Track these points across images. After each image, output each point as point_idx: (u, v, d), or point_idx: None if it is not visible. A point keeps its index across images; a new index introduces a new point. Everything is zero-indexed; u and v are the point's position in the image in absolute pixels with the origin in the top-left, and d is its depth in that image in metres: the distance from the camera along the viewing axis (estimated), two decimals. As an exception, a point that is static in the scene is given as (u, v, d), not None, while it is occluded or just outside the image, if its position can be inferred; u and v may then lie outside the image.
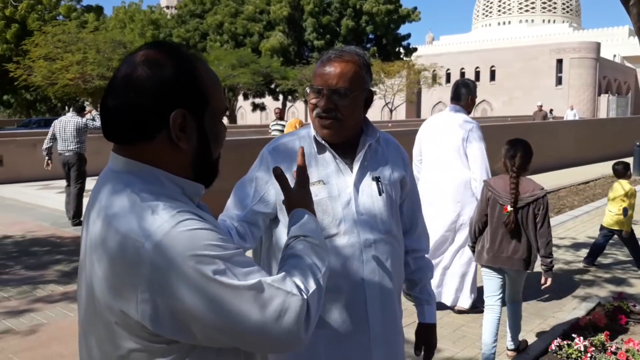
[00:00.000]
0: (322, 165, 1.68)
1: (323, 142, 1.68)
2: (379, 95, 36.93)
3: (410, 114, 51.70)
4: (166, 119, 1.04)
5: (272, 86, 35.94)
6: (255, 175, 1.72)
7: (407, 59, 41.45)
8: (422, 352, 1.89)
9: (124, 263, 0.98)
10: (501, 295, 3.60)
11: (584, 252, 6.44)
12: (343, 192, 1.65)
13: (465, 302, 4.48)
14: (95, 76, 20.90)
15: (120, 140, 1.10)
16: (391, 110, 38.34)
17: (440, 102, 54.29)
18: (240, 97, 36.40)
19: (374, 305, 1.64)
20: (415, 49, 44.03)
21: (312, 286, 1.07)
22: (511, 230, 3.40)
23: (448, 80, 54.43)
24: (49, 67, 20.91)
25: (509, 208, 3.39)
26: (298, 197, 1.30)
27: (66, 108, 44.51)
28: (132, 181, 1.05)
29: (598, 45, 49.44)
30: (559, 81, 49.03)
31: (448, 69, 53.53)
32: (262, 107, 40.01)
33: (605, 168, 15.42)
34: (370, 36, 41.76)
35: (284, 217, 1.65)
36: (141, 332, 1.00)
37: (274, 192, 1.67)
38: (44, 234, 7.61)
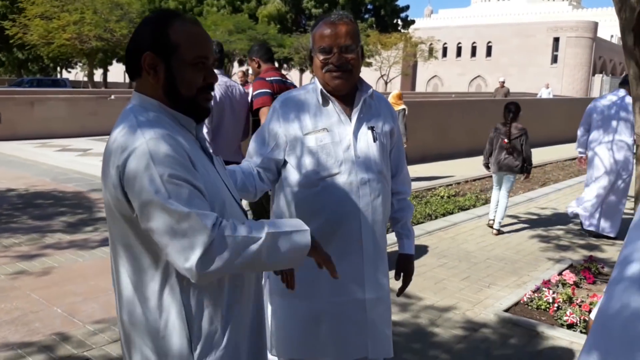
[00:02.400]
0: (326, 116, 1.98)
1: (329, 95, 1.97)
2: (374, 67, 36.94)
3: (405, 86, 51.69)
4: (141, 60, 1.41)
5: (268, 54, 35.85)
6: (269, 127, 2.03)
7: (405, 31, 41.28)
8: (402, 278, 2.23)
9: (112, 160, 1.34)
10: (499, 187, 6.18)
11: (562, 221, 6.81)
12: (344, 138, 1.96)
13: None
14: (92, 37, 20.85)
15: (130, 77, 1.47)
16: (386, 83, 38.40)
17: (435, 76, 54.29)
18: (236, 64, 36.29)
19: (367, 232, 1.96)
20: (413, 22, 43.82)
21: (239, 235, 1.31)
22: (507, 151, 5.92)
23: (445, 54, 54.33)
24: (45, 26, 20.81)
25: (506, 140, 5.97)
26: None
27: (58, 69, 44.03)
28: (136, 110, 1.41)
29: (595, 24, 49.41)
30: (554, 59, 49.11)
31: (445, 43, 53.38)
32: (257, 75, 40.01)
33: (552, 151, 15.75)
34: (369, 7, 41.49)
35: (292, 160, 1.96)
36: (123, 208, 1.35)
37: (284, 140, 1.98)
38: (47, 188, 7.86)
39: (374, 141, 1.99)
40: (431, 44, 40.17)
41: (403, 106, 8.89)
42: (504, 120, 6.13)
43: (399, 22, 42.62)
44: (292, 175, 1.98)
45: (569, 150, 15.02)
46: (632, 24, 3.69)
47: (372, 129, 2.01)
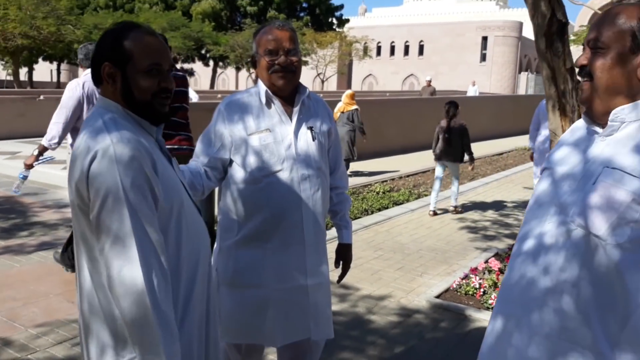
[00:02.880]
0: (269, 117, 2.14)
1: (272, 96, 2.13)
2: (310, 66, 37.23)
3: (341, 85, 52.33)
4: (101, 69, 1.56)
5: (203, 51, 35.39)
6: (215, 128, 2.17)
7: (340, 30, 41.78)
8: (341, 266, 2.44)
9: (78, 161, 1.47)
10: (439, 178, 7.11)
11: (489, 213, 7.25)
12: (285, 138, 2.12)
13: None
14: (17, 34, 19.97)
15: (95, 84, 1.61)
16: (323, 81, 38.77)
17: (370, 74, 55.22)
18: (170, 62, 35.58)
19: (308, 223, 2.14)
20: (347, 20, 44.41)
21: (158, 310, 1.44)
22: (446, 144, 6.97)
23: (379, 53, 55.35)
24: (-35, 22, 19.78)
25: (446, 135, 6.97)
26: None
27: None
28: (102, 112, 1.55)
29: (521, 24, 51.74)
30: (483, 58, 51.09)
31: (379, 42, 54.41)
32: (191, 73, 39.28)
33: (519, 141, 16.66)
34: (304, 5, 41.71)
35: (237, 159, 2.11)
36: (85, 205, 1.47)
37: (229, 140, 2.12)
38: (-25, 193, 7.57)
39: (313, 140, 2.17)
40: (366, 42, 40.87)
41: (356, 106, 9.26)
42: (445, 117, 7.11)
43: (334, 20, 43.08)
44: (238, 173, 2.13)
45: (496, 145, 15.79)
46: (544, 30, 4.03)
47: (311, 128, 2.18)
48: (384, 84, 53.25)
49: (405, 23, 56.19)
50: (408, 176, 10.05)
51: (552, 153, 1.57)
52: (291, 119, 2.16)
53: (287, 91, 2.16)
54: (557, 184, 1.48)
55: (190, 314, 1.61)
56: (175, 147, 4.37)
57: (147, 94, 1.55)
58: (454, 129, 7.00)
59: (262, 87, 2.16)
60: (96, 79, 1.57)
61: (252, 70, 35.40)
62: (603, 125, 1.42)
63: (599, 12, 11.93)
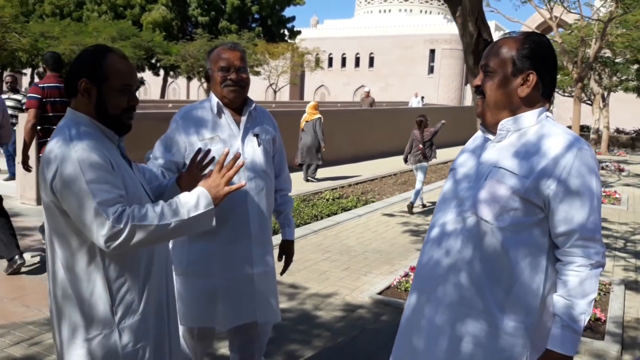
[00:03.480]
0: (220, 125, 2.42)
1: (223, 107, 2.41)
2: (263, 76, 37.45)
3: (293, 95, 52.77)
4: (78, 84, 1.77)
5: (153, 61, 35.08)
6: (171, 135, 2.43)
7: (292, 41, 42.21)
8: (284, 259, 2.73)
9: (49, 166, 1.69)
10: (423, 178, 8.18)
11: (431, 217, 7.67)
12: (234, 144, 2.40)
13: None
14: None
15: (67, 96, 1.83)
16: (275, 91, 39.05)
17: (322, 85, 55.88)
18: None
19: (254, 219, 2.41)
20: (299, 32, 44.91)
21: (145, 223, 1.67)
22: (422, 153, 7.99)
23: (330, 64, 56.12)
24: None
25: (420, 145, 7.95)
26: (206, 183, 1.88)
27: None
28: (70, 124, 1.75)
29: (466, 38, 53.43)
30: (431, 70, 52.58)
31: (330, 54, 55.22)
32: (141, 82, 38.83)
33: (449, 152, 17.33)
34: (256, 16, 41.95)
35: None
36: (57, 204, 1.69)
37: (183, 146, 2.38)
38: None
39: (259, 145, 2.46)
40: (317, 54, 41.43)
41: (318, 115, 10.17)
42: (417, 128, 8.11)
43: (286, 32, 43.49)
44: None
45: (441, 154, 16.41)
46: (472, 48, 4.46)
47: (257, 136, 2.47)
48: (336, 95, 54.01)
49: (356, 35, 57.22)
50: (357, 184, 10.43)
51: (457, 157, 1.91)
52: (239, 128, 2.43)
53: (237, 103, 2.45)
54: (457, 182, 1.81)
55: (149, 292, 1.84)
56: None
57: (118, 110, 1.79)
58: (426, 138, 8.07)
59: (214, 99, 2.44)
60: (70, 91, 1.80)
61: (203, 80, 35.19)
62: (494, 133, 1.75)
63: (537, 32, 12.67)
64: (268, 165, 2.50)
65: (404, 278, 4.76)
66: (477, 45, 4.47)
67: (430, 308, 1.78)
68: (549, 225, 1.64)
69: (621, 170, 14.53)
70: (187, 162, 2.38)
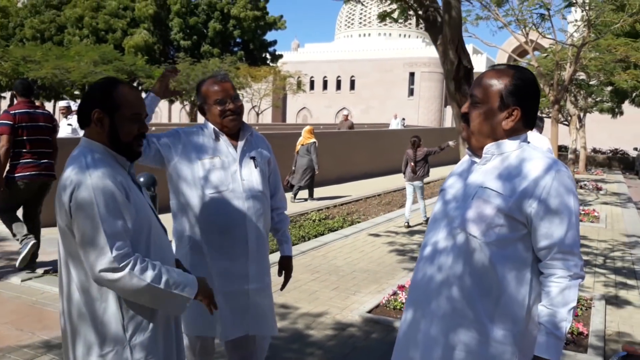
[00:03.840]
0: (218, 148, 2.55)
1: (221, 133, 2.55)
2: (245, 99, 37.68)
3: (276, 118, 53.05)
4: (91, 114, 1.89)
5: (135, 84, 35.12)
6: (167, 137, 2.58)
7: (274, 64, 42.61)
8: (283, 275, 2.85)
9: (65, 192, 1.80)
10: (411, 194, 8.76)
11: (416, 237, 7.83)
12: (232, 165, 2.54)
13: None
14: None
15: (81, 126, 1.94)
16: (258, 114, 39.26)
17: (304, 107, 56.32)
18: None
19: (252, 236, 2.53)
20: (281, 56, 45.40)
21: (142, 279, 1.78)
22: (414, 169, 8.54)
23: (312, 87, 56.66)
24: None
25: (412, 163, 8.55)
26: None
27: None
28: (85, 151, 1.87)
29: (445, 61, 54.40)
30: (411, 92, 53.38)
31: (312, 77, 55.80)
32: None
33: (446, 170, 17.62)
34: (238, 40, 42.32)
35: (187, 178, 2.52)
36: (69, 224, 1.80)
37: (172, 151, 2.54)
38: None
39: (255, 167, 2.60)
40: (299, 77, 41.86)
41: (313, 139, 10.77)
42: (411, 147, 8.70)
43: (268, 55, 43.91)
44: (189, 192, 2.52)
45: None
46: (453, 74, 4.66)
47: (253, 158, 2.61)
48: (318, 117, 54.46)
49: (336, 59, 57.97)
50: (342, 205, 10.57)
51: (446, 180, 2.05)
52: (237, 150, 2.57)
53: (236, 129, 2.59)
54: (447, 202, 1.95)
55: (156, 315, 1.94)
56: (41, 173, 5.37)
57: (129, 137, 1.91)
58: (419, 157, 8.61)
59: (210, 126, 2.58)
60: (83, 121, 1.91)
61: (186, 103, 35.08)
62: (480, 156, 1.90)
63: (514, 56, 12.94)
64: (264, 186, 2.63)
65: (392, 296, 4.88)
66: (457, 72, 4.67)
67: (425, 321, 1.91)
68: (532, 241, 1.78)
69: (599, 189, 14.90)
70: (184, 179, 2.52)
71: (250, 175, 2.57)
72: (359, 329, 4.34)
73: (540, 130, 7.91)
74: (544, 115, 24.60)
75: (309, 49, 63.73)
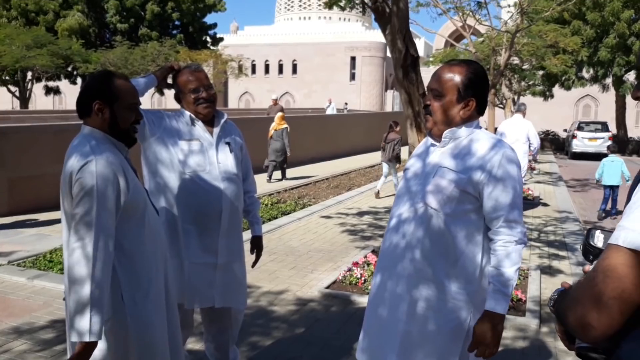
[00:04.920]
0: (196, 134, 2.74)
1: (196, 120, 2.73)
2: (186, 84, 36.98)
3: (218, 102, 52.20)
4: (92, 105, 2.05)
5: (70, 69, 33.82)
6: (153, 114, 2.74)
7: (214, 48, 41.98)
8: (255, 253, 3.08)
9: (69, 177, 1.96)
10: (387, 171, 10.23)
11: (366, 218, 8.18)
12: (209, 149, 2.73)
13: None
14: None
15: (80, 117, 2.09)
16: (199, 99, 38.65)
17: (246, 92, 55.85)
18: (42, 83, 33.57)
19: (225, 215, 2.74)
20: (221, 39, 44.72)
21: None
22: (383, 150, 10.09)
23: (254, 71, 56.20)
24: None
25: (383, 143, 10.06)
26: None
27: None
28: (89, 139, 2.04)
29: (385, 45, 55.10)
30: (352, 77, 53.89)
31: (253, 60, 55.33)
32: (56, 91, 37.29)
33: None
34: (177, 23, 41.36)
35: (167, 157, 2.69)
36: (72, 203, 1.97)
37: (155, 128, 2.69)
38: None
39: (230, 152, 2.80)
40: (240, 61, 41.46)
41: (285, 125, 11.80)
42: (388, 131, 10.03)
43: (208, 39, 43.18)
44: (167, 172, 2.70)
45: (368, 159, 17.11)
46: (401, 62, 4.96)
47: (228, 144, 2.81)
48: (261, 102, 54.15)
49: (277, 42, 57.67)
50: (292, 189, 10.81)
51: (408, 161, 2.33)
52: (213, 136, 2.76)
53: (210, 116, 2.78)
54: (409, 180, 2.23)
55: (153, 286, 2.14)
56: None
57: (127, 124, 2.10)
58: (389, 140, 9.90)
59: (187, 113, 2.76)
60: (83, 112, 2.07)
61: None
62: (439, 141, 2.18)
63: (451, 41, 13.48)
64: (238, 169, 2.84)
65: (347, 272, 5.18)
66: (405, 60, 4.97)
67: (391, 282, 2.18)
68: (483, 211, 2.08)
69: (532, 169, 15.78)
70: (166, 156, 2.69)
71: (226, 160, 2.77)
72: (319, 304, 4.62)
73: (524, 114, 9.44)
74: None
75: (249, 32, 63.13)
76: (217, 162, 2.73)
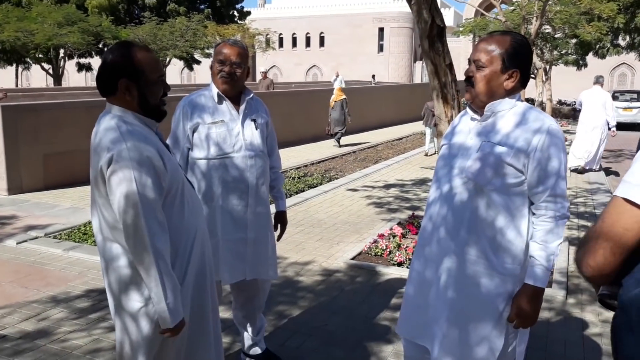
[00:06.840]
0: (221, 112, 2.77)
1: (223, 96, 2.76)
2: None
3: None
4: (117, 84, 1.99)
5: (100, 46, 34.23)
6: (179, 125, 2.78)
7: (242, 22, 41.86)
8: (279, 227, 3.15)
9: (100, 157, 1.93)
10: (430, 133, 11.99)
11: (392, 191, 8.19)
12: (235, 127, 2.77)
13: None
14: None
15: (103, 95, 2.04)
16: (227, 74, 38.73)
17: (274, 65, 55.67)
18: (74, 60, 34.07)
19: (252, 191, 2.80)
20: (249, 13, 44.52)
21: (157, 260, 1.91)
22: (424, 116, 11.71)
23: (281, 44, 55.90)
24: None
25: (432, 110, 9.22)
26: None
27: None
28: (119, 122, 1.99)
29: (414, 16, 54.04)
30: (380, 48, 53.15)
31: (281, 34, 54.98)
32: (88, 68, 37.80)
33: (416, 127, 18.00)
34: (204, -2, 41.32)
35: (197, 143, 2.74)
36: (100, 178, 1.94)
37: (190, 133, 2.74)
38: None
39: (256, 129, 2.83)
40: (268, 34, 41.28)
41: (344, 96, 13.23)
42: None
43: (235, 13, 43.04)
44: (199, 154, 2.76)
45: (396, 131, 17.01)
46: (427, 33, 4.89)
47: (254, 120, 2.85)
48: (288, 75, 54.04)
49: (305, 15, 57.07)
50: (319, 162, 10.85)
51: (448, 134, 2.28)
52: (239, 114, 2.80)
53: (231, 93, 2.80)
54: (450, 156, 2.20)
55: (191, 265, 2.11)
56: None
57: (157, 99, 2.05)
58: (431, 107, 10.00)
59: (215, 89, 2.79)
60: (108, 90, 2.00)
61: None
62: (481, 114, 2.15)
63: (481, 10, 13.22)
64: (264, 145, 2.88)
65: (373, 244, 5.23)
66: (431, 30, 4.90)
67: (435, 258, 2.15)
68: (527, 185, 2.04)
69: (565, 140, 15.44)
70: (195, 143, 2.74)
71: (252, 136, 2.81)
72: (345, 274, 4.69)
73: (602, 85, 10.22)
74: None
75: (276, 4, 62.57)
76: (244, 138, 2.78)
